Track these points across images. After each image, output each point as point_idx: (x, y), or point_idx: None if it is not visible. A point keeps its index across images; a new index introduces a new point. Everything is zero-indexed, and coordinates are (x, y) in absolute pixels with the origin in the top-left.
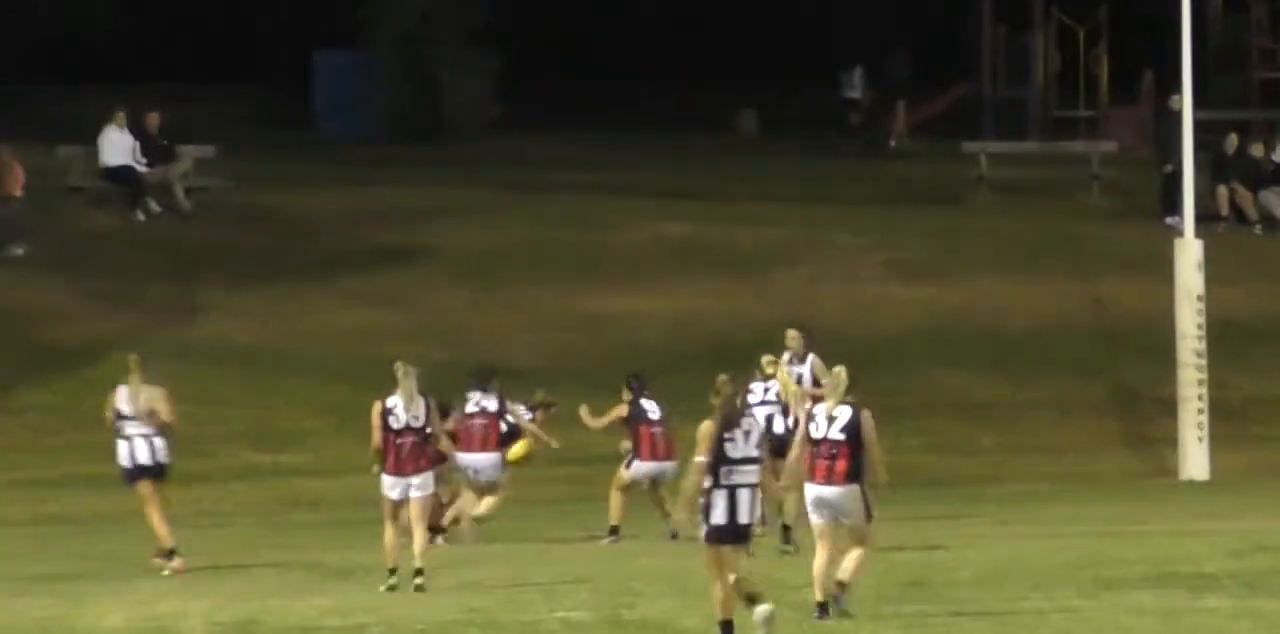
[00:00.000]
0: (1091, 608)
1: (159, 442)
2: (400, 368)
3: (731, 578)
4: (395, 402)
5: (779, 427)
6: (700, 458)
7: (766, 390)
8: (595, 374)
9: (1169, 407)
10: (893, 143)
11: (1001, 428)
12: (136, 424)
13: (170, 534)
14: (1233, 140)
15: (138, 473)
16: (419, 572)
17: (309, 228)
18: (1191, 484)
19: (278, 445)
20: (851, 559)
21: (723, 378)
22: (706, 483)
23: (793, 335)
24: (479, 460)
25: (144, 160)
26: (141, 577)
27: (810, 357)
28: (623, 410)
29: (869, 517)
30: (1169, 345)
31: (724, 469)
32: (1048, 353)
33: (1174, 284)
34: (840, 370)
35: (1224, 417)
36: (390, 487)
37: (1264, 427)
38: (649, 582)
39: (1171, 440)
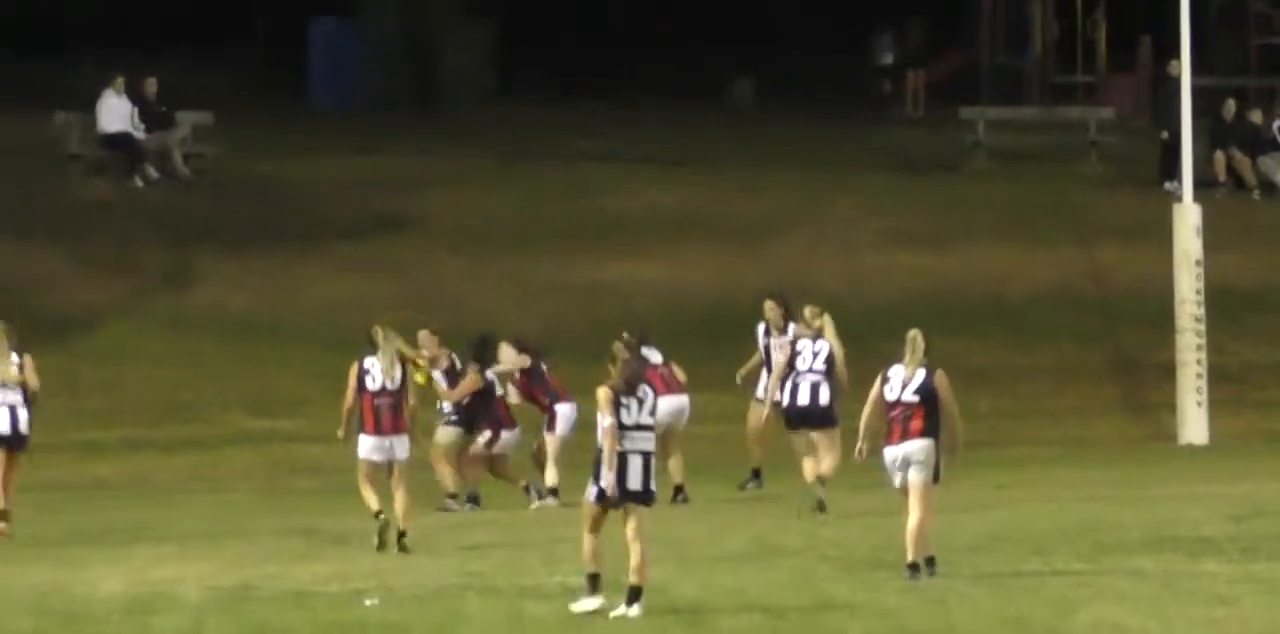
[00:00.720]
0: (1090, 572)
1: (23, 413)
2: (379, 331)
3: (602, 533)
4: (372, 363)
5: (824, 398)
6: (609, 420)
7: (815, 355)
8: (588, 343)
9: (1168, 372)
10: (908, 110)
11: (1000, 393)
12: (3, 391)
13: (6, 499)
14: (1231, 106)
15: None
16: (403, 534)
17: (305, 196)
18: (1190, 449)
19: (274, 412)
20: (914, 534)
21: (618, 345)
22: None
23: (770, 306)
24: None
25: (142, 126)
26: (139, 543)
27: (791, 326)
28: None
29: (936, 477)
30: (1167, 311)
31: (623, 434)
32: (1046, 319)
33: (1172, 250)
34: (916, 334)
35: (1222, 382)
36: (371, 449)
37: (1262, 392)
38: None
39: (1170, 405)
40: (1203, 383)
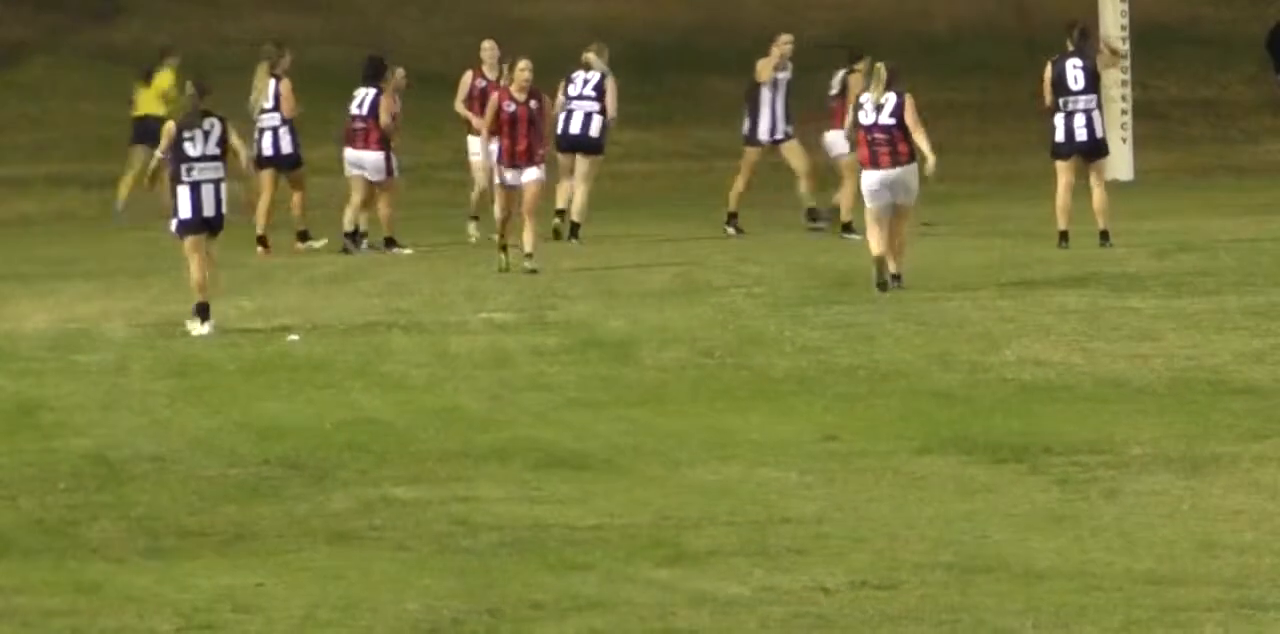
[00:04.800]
0: (1013, 308)
1: None
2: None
3: (202, 262)
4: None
5: (594, 128)
6: (159, 153)
7: (586, 82)
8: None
9: None
10: None
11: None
12: None
13: None
14: None
15: None
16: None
17: None
18: (1115, 184)
19: None
20: (895, 247)
21: (189, 83)
22: (170, 180)
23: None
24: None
25: None
26: (64, 280)
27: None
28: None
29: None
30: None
31: (184, 167)
32: (970, 54)
33: None
34: (880, 65)
35: (1147, 117)
36: None
37: (1187, 128)
38: (573, 285)
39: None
40: (1128, 119)
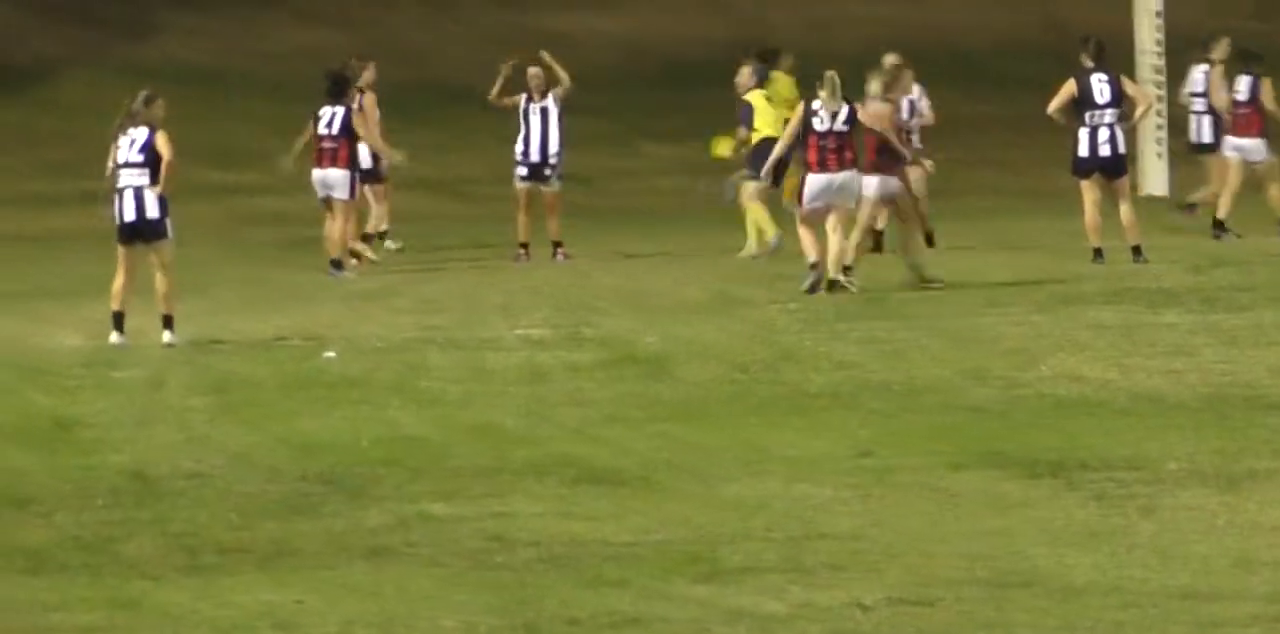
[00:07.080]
0: (1049, 323)
1: None
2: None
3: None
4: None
5: None
6: (111, 163)
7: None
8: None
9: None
10: None
11: (956, 144)
12: None
13: None
14: None
15: None
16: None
17: None
18: (1150, 200)
19: (237, 164)
20: (836, 246)
21: (127, 101)
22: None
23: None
24: None
25: None
26: (99, 296)
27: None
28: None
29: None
30: (1128, 62)
31: (116, 172)
32: (1005, 70)
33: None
34: (833, 74)
35: (1182, 132)
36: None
37: None
38: (608, 300)
39: (1130, 156)
40: (1163, 134)
